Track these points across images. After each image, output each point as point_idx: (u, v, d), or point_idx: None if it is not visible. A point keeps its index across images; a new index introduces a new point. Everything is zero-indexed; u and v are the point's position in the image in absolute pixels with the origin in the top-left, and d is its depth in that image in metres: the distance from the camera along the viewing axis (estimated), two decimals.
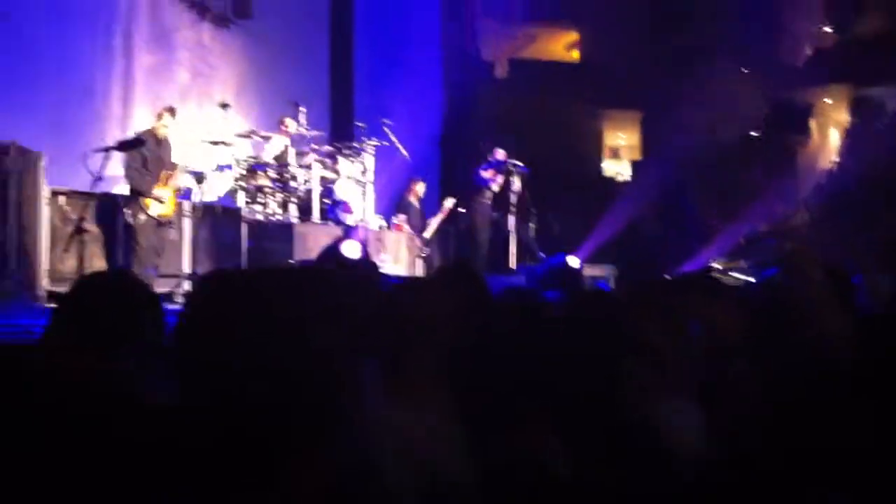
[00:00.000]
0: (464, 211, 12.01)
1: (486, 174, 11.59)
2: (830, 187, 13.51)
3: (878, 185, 12.33)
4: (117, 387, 1.79)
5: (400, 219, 11.64)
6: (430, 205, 12.32)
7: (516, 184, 11.53)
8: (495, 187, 11.63)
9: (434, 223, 11.95)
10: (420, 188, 12.07)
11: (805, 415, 2.21)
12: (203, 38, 11.60)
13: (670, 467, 1.99)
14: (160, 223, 8.52)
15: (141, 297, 2.05)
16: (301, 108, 10.55)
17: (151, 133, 8.56)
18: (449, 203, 11.97)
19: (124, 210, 8.38)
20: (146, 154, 8.39)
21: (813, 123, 14.90)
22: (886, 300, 5.05)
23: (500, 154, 11.67)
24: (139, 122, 10.13)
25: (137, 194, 8.36)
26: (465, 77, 14.52)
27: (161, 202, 8.47)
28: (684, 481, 1.73)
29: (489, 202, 11.67)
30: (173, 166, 8.71)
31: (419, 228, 11.78)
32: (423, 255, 11.47)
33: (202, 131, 9.90)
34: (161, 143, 8.60)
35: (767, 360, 2.52)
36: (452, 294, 2.37)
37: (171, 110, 8.73)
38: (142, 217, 8.33)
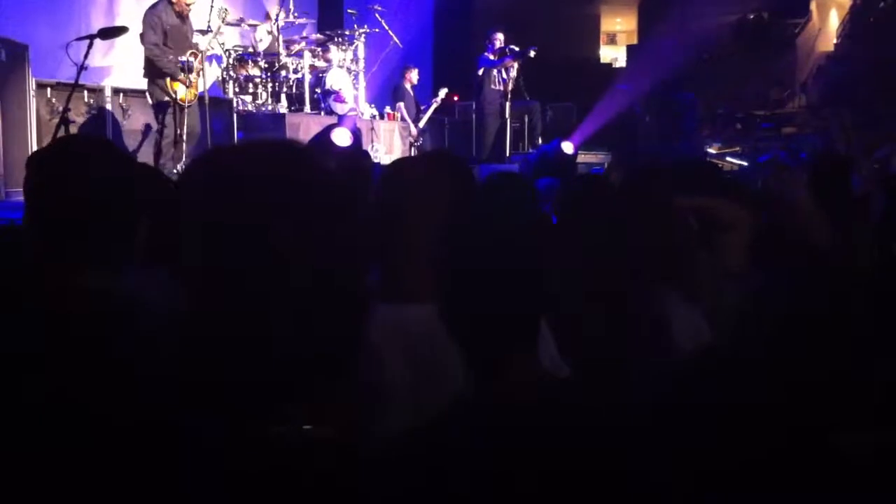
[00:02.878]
0: (471, 101, 11.86)
1: (491, 57, 11.39)
2: (829, 71, 13.33)
3: (878, 69, 12.16)
4: (115, 306, 1.65)
5: (397, 108, 11.49)
6: (423, 94, 12.15)
7: (512, 70, 11.37)
8: (503, 73, 11.45)
9: (428, 113, 11.81)
10: (414, 75, 11.86)
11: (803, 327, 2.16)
12: None
13: (672, 359, 1.97)
14: (182, 107, 8.06)
15: (113, 164, 1.86)
16: None
17: (172, 6, 7.96)
18: (442, 93, 11.80)
19: (147, 93, 8.09)
20: (166, 28, 7.91)
21: (813, 5, 14.61)
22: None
23: (500, 39, 11.46)
24: (124, 9, 9.90)
25: (161, 75, 7.88)
26: None
27: (187, 85, 8.05)
28: (684, 374, 1.71)
29: (498, 88, 11.48)
30: (195, 45, 8.30)
31: (413, 116, 11.65)
32: (417, 143, 11.37)
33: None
34: (184, 19, 8.10)
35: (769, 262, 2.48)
36: (436, 180, 2.31)
37: None
38: (166, 100, 7.99)
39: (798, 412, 1.35)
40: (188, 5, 8.00)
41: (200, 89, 8.17)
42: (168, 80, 7.84)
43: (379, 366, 1.85)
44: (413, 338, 1.88)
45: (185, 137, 7.94)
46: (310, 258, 1.07)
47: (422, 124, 11.68)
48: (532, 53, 11.14)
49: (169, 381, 1.16)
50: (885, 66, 11.97)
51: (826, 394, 1.34)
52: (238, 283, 1.07)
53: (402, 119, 11.49)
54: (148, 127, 8.59)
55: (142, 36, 7.95)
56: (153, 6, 8.00)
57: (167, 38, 7.87)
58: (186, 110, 7.96)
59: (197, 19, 8.76)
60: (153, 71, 7.90)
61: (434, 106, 11.81)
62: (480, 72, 11.44)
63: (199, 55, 8.10)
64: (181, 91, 7.91)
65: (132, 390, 1.29)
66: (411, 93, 11.79)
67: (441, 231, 2.00)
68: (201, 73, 8.21)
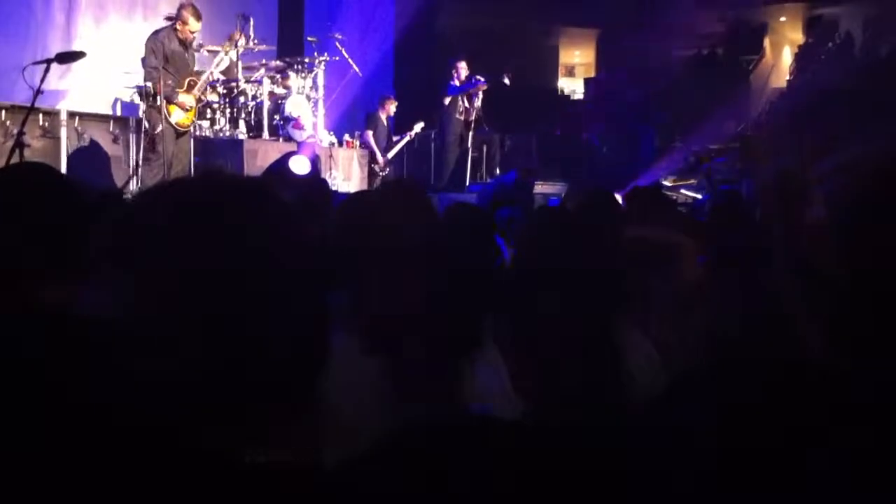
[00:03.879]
0: (430, 130, 11.92)
1: (458, 84, 11.47)
2: (782, 105, 13.58)
3: (829, 103, 12.41)
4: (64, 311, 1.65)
5: (366, 136, 11.49)
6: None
7: (477, 99, 11.48)
8: (466, 101, 11.54)
9: (399, 145, 11.83)
10: (391, 106, 11.88)
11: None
12: None
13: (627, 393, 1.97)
14: (179, 133, 8.11)
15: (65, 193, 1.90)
16: (250, 22, 10.29)
17: (175, 33, 8.03)
18: (418, 127, 11.84)
19: (142, 116, 8.07)
20: (167, 53, 7.94)
21: (767, 42, 14.91)
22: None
23: (463, 67, 11.56)
24: (83, 31, 9.84)
25: (157, 98, 7.89)
26: None
27: (185, 110, 8.06)
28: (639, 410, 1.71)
29: (460, 118, 11.57)
30: (197, 73, 8.35)
31: (384, 146, 11.65)
32: (384, 173, 11.38)
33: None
34: (186, 46, 8.14)
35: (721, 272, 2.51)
36: (395, 209, 2.31)
37: (195, 11, 8.08)
38: (160, 125, 7.96)
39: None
40: (192, 33, 8.05)
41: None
42: (164, 104, 7.86)
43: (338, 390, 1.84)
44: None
45: (172, 163, 7.95)
46: (265, 285, 1.07)
47: (391, 155, 11.69)
48: (506, 80, 11.27)
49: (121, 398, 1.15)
50: (833, 100, 12.24)
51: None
52: (192, 308, 1.06)
53: (363, 146, 11.50)
54: (101, 150, 8.52)
55: (143, 60, 7.98)
56: (156, 32, 8.10)
57: (168, 64, 7.91)
58: (179, 137, 7.99)
59: None
60: (151, 96, 7.90)
61: (407, 139, 11.84)
62: (447, 101, 11.52)
63: (198, 83, 8.14)
64: (176, 115, 7.94)
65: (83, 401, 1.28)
66: (385, 123, 11.80)
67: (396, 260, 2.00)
68: (200, 102, 8.28)
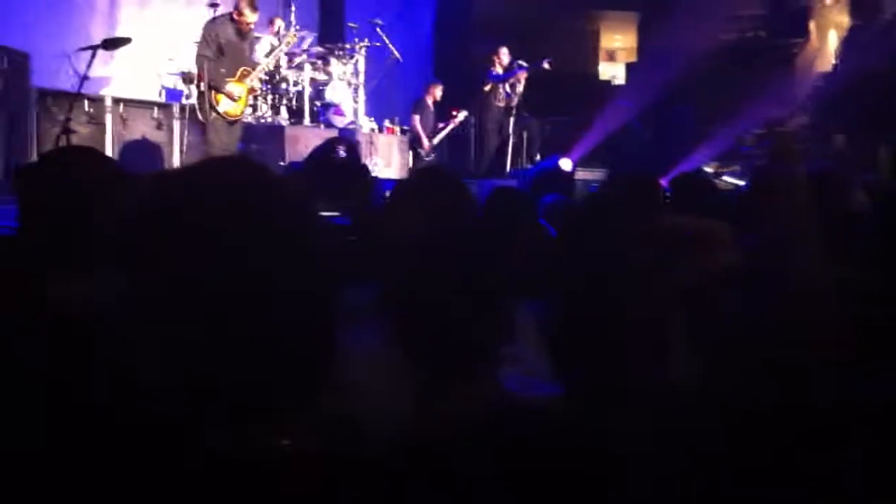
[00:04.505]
0: (471, 116, 11.91)
1: (500, 70, 11.47)
2: (828, 90, 13.37)
3: (876, 89, 12.19)
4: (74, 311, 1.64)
5: (413, 120, 11.50)
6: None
7: (519, 85, 11.45)
8: (507, 88, 11.52)
9: (444, 132, 11.81)
10: (438, 91, 11.87)
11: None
12: None
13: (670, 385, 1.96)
14: (230, 122, 8.16)
15: (108, 173, 1.90)
16: (292, 8, 10.34)
17: (233, 22, 8.05)
18: (462, 115, 11.81)
19: (193, 103, 8.14)
20: (222, 42, 7.95)
21: (812, 25, 14.67)
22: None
23: (505, 53, 11.53)
24: (125, 18, 9.93)
25: (207, 87, 7.92)
26: None
27: (233, 99, 8.08)
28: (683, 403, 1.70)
29: (500, 105, 11.55)
30: (253, 64, 8.40)
31: (430, 131, 11.65)
32: (428, 158, 11.39)
33: (190, 30, 9.69)
34: (244, 36, 8.16)
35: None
36: (427, 202, 2.28)
37: (251, 2, 8.04)
38: (212, 113, 8.00)
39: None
40: (248, 24, 8.06)
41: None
42: (213, 92, 7.90)
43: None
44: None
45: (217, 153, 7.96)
46: (269, 276, 1.06)
47: (437, 140, 11.69)
48: (546, 65, 11.22)
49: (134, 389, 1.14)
50: (879, 81, 12.03)
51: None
52: (198, 298, 1.05)
53: (409, 131, 11.52)
54: (146, 138, 8.61)
55: (197, 46, 8.04)
56: (213, 19, 8.16)
57: (222, 54, 7.92)
58: (228, 127, 8.04)
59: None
60: (196, 83, 7.98)
61: (452, 126, 11.81)
62: (488, 87, 11.49)
63: (251, 74, 8.18)
64: (224, 104, 7.97)
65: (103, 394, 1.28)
66: (431, 108, 11.80)
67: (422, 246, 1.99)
68: (252, 92, 8.30)
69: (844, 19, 14.65)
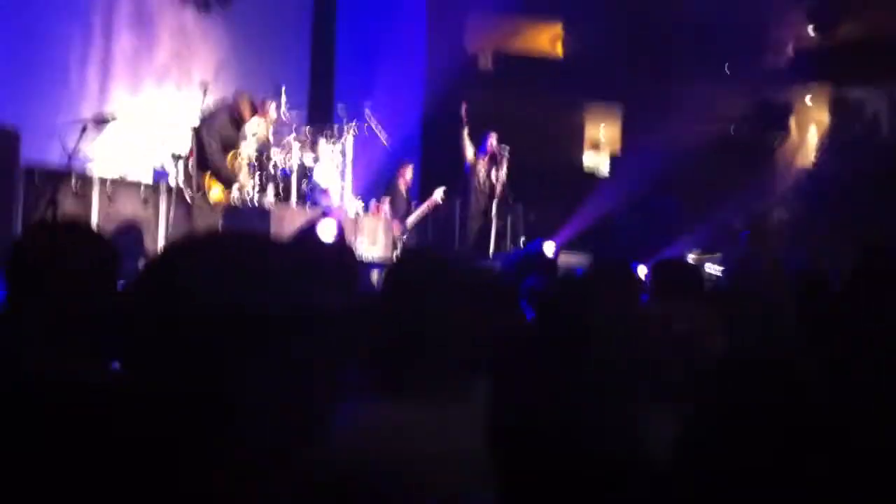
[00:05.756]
0: (457, 198, 12.02)
1: (481, 160, 11.63)
2: (808, 187, 13.58)
3: (856, 187, 12.40)
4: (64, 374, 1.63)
5: (384, 202, 11.57)
6: (412, 192, 12.30)
7: (503, 171, 11.59)
8: (485, 172, 11.67)
9: (419, 211, 11.88)
10: (408, 172, 11.99)
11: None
12: (185, 20, 11.47)
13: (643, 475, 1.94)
14: (216, 203, 8.36)
15: (96, 250, 1.90)
16: (283, 93, 10.48)
17: (230, 119, 8.41)
18: (439, 192, 11.89)
19: (184, 186, 8.25)
20: (222, 139, 8.27)
21: (792, 122, 14.97)
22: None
23: (493, 139, 11.70)
24: (116, 97, 10.04)
25: (196, 168, 8.20)
26: (448, 66, 14.48)
27: (224, 183, 8.33)
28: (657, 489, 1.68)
29: (482, 188, 11.67)
30: (244, 149, 8.69)
31: (403, 212, 11.73)
32: (402, 239, 11.43)
33: (181, 112, 9.81)
34: (238, 126, 8.50)
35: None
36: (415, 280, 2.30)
37: (251, 105, 8.52)
38: (199, 194, 8.16)
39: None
40: (245, 118, 8.29)
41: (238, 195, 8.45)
42: (203, 174, 8.04)
43: None
44: None
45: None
46: (261, 358, 1.06)
47: (410, 220, 11.74)
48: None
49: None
50: (857, 182, 12.24)
51: None
52: (191, 373, 1.05)
53: (387, 214, 11.58)
54: (131, 216, 8.64)
55: (200, 137, 8.18)
56: (211, 119, 8.35)
57: (220, 141, 8.14)
58: (214, 208, 8.14)
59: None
60: (190, 165, 8.19)
61: (426, 206, 11.87)
62: (469, 167, 11.67)
63: (241, 163, 8.34)
64: (215, 192, 8.11)
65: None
66: (403, 190, 11.89)
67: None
68: (245, 179, 8.65)
69: (825, 118, 14.96)
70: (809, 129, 15.10)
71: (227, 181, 8.17)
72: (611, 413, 2.14)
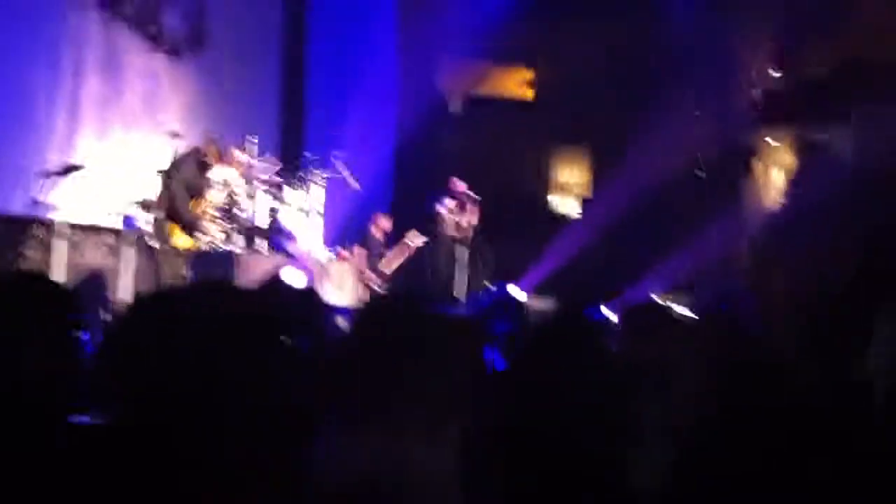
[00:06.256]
0: (424, 242, 12.01)
1: (447, 205, 11.68)
2: (775, 227, 13.71)
3: (822, 227, 12.53)
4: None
5: (355, 249, 11.52)
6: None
7: (473, 216, 11.65)
8: (454, 218, 11.71)
9: (395, 258, 11.83)
10: (383, 222, 11.97)
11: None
12: (155, 66, 11.45)
13: None
14: (183, 251, 8.30)
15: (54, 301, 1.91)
16: (253, 140, 10.48)
17: (197, 165, 8.39)
18: (410, 235, 11.85)
19: (151, 233, 8.21)
20: (188, 184, 8.27)
21: (758, 165, 15.15)
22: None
23: (459, 185, 11.75)
24: (84, 144, 9.97)
25: (165, 216, 8.19)
26: (419, 111, 14.58)
27: (192, 235, 8.29)
28: None
29: (449, 233, 11.71)
30: (211, 197, 8.65)
31: (378, 261, 11.68)
32: (376, 285, 11.38)
33: (149, 159, 9.77)
34: (203, 171, 8.45)
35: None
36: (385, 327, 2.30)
37: (218, 152, 8.60)
38: (165, 245, 8.12)
39: None
40: (211, 166, 8.31)
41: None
42: (170, 223, 8.04)
43: None
44: None
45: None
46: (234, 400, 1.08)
47: (388, 269, 11.69)
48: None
49: None
50: (820, 223, 12.40)
51: None
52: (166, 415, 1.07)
53: (360, 260, 11.55)
54: (96, 263, 8.57)
55: (167, 183, 8.18)
56: (179, 163, 8.30)
57: (187, 188, 8.15)
58: (180, 255, 8.10)
59: None
60: (157, 212, 8.17)
61: (398, 249, 11.84)
62: (437, 213, 11.70)
63: (207, 209, 8.34)
64: (178, 235, 8.10)
65: None
66: (380, 239, 11.87)
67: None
68: (210, 226, 8.63)
69: (789, 159, 15.14)
70: (774, 172, 15.28)
71: (190, 228, 8.17)
72: (589, 455, 2.14)
